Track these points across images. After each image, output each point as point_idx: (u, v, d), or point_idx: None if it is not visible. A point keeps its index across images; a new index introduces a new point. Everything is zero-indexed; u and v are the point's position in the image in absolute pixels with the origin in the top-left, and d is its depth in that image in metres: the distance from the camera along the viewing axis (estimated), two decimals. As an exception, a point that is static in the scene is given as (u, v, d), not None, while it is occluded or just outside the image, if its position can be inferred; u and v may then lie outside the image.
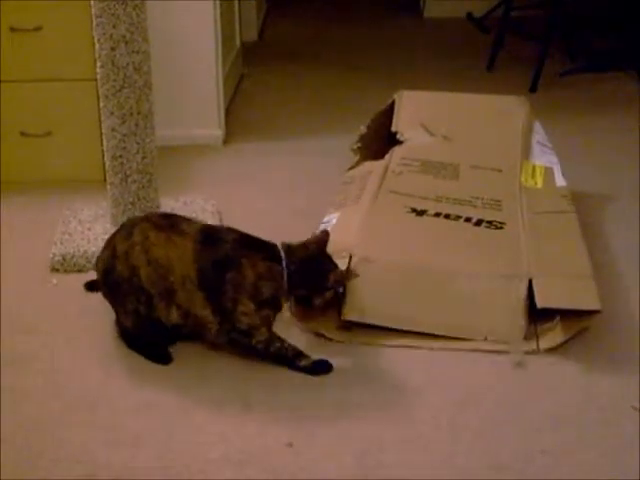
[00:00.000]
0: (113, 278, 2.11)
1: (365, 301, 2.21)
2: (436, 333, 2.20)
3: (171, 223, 2.10)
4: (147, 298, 2.08)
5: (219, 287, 2.04)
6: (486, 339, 2.18)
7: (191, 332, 2.13)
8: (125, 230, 2.14)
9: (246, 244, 2.09)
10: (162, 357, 2.13)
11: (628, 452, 1.85)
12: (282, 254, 2.08)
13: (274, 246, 2.10)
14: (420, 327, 2.20)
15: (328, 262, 2.12)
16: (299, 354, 2.09)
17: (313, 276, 2.10)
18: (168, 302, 2.07)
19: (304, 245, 2.12)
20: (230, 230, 2.13)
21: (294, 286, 2.08)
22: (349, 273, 2.16)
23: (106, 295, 2.18)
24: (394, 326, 2.20)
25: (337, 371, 2.09)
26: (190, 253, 2.05)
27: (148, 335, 2.14)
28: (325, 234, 2.14)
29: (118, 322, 2.19)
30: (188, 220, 2.15)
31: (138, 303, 2.09)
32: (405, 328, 2.20)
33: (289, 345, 2.09)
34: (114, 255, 2.11)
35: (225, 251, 2.06)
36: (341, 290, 2.18)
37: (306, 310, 2.21)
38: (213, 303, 2.05)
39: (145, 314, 2.09)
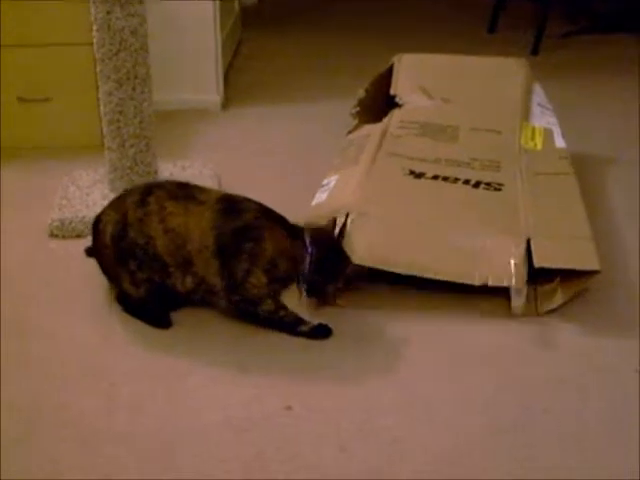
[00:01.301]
0: (124, 246, 2.09)
1: (360, 248, 2.18)
2: (433, 277, 2.17)
3: (187, 193, 2.09)
4: (162, 266, 2.07)
5: (235, 256, 2.03)
6: (485, 284, 2.15)
7: (201, 298, 2.13)
8: (138, 196, 2.11)
9: (270, 217, 2.08)
10: (162, 322, 2.13)
11: (629, 413, 1.85)
12: (307, 237, 2.05)
13: (298, 227, 2.08)
14: (416, 271, 2.17)
15: (347, 255, 2.11)
16: (299, 320, 2.09)
17: (334, 264, 2.08)
18: (184, 270, 2.06)
19: (328, 231, 2.11)
20: (250, 201, 2.10)
21: (312, 271, 2.06)
22: (363, 268, 2.14)
23: (110, 260, 2.14)
24: (389, 269, 2.17)
25: (335, 335, 2.09)
26: (209, 221, 2.04)
27: (156, 301, 2.13)
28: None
29: (118, 288, 2.17)
30: (204, 189, 2.14)
31: (152, 271, 2.08)
32: (400, 272, 2.17)
33: (290, 312, 2.10)
34: (126, 222, 2.09)
35: (246, 220, 2.05)
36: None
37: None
38: (225, 271, 2.04)
39: (159, 281, 2.09)
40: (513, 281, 2.13)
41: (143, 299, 2.13)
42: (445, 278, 2.17)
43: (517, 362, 2.03)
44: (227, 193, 2.14)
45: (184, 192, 2.10)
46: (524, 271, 2.15)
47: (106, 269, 2.18)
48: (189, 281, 2.07)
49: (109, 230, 2.12)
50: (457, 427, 1.82)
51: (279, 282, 2.07)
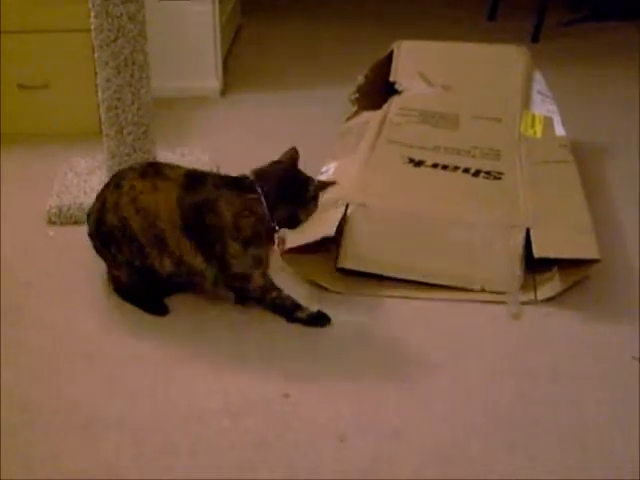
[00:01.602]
0: (104, 230, 2.10)
1: (361, 249, 2.20)
2: (433, 282, 2.19)
3: (156, 170, 2.09)
4: (139, 247, 2.07)
5: (203, 232, 2.02)
6: (483, 289, 2.17)
7: (186, 282, 2.12)
8: (114, 182, 2.13)
9: (222, 183, 2.06)
10: (158, 309, 2.13)
11: (627, 402, 1.85)
12: (256, 184, 2.02)
13: (247, 178, 2.05)
14: (417, 276, 2.19)
15: (302, 175, 2.07)
16: (297, 306, 2.08)
17: (292, 191, 2.04)
18: (160, 250, 2.06)
19: (275, 164, 2.07)
20: (211, 174, 2.10)
21: (276, 209, 2.02)
22: (327, 182, 2.10)
23: (98, 248, 2.16)
24: (390, 274, 2.19)
25: (333, 323, 2.08)
26: (174, 198, 2.04)
27: (143, 286, 2.13)
28: (294, 151, 2.08)
29: (112, 275, 2.18)
30: (173, 166, 2.13)
31: (131, 254, 2.08)
32: (401, 277, 2.19)
33: (287, 296, 2.09)
34: (104, 207, 2.10)
35: (204, 194, 2.04)
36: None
37: (297, 248, 2.16)
38: (202, 250, 2.04)
39: (139, 264, 2.08)
40: (507, 291, 2.16)
41: (126, 283, 2.14)
42: (444, 282, 2.18)
43: (514, 351, 2.02)
44: (192, 169, 2.13)
45: (154, 170, 2.10)
46: (521, 273, 2.17)
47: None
48: (168, 263, 2.07)
49: (92, 220, 2.15)
50: (455, 418, 1.82)
51: (252, 244, 2.03)
